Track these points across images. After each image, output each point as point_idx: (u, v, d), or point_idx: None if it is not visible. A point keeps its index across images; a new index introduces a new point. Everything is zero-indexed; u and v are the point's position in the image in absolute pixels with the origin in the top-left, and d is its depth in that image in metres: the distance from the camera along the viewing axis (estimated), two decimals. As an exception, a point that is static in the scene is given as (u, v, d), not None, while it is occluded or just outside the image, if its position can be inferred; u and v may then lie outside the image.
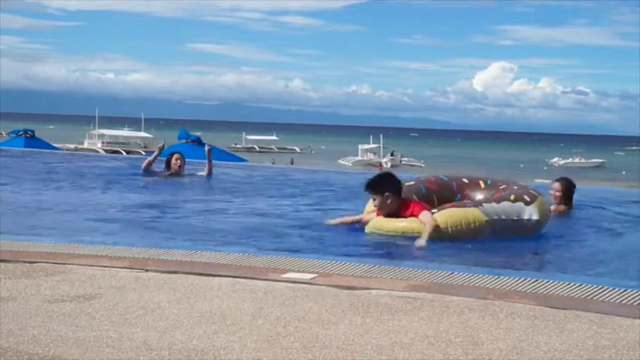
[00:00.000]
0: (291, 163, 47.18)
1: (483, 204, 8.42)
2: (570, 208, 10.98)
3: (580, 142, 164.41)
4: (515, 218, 8.39)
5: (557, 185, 10.93)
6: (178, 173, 14.21)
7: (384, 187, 8.28)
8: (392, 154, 65.69)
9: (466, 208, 8.24)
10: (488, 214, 8.21)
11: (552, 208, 10.36)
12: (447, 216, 8.09)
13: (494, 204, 8.43)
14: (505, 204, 8.45)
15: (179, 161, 14.31)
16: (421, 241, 7.77)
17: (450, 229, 8.01)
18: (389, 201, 8.22)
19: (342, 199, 12.09)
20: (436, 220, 7.99)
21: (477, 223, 8.08)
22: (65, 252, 6.31)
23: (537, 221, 8.53)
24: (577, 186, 11.22)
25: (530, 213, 8.47)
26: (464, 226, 8.05)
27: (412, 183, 9.03)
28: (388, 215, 8.25)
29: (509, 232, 8.32)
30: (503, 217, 8.33)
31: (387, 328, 4.33)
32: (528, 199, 8.55)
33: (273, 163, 41.53)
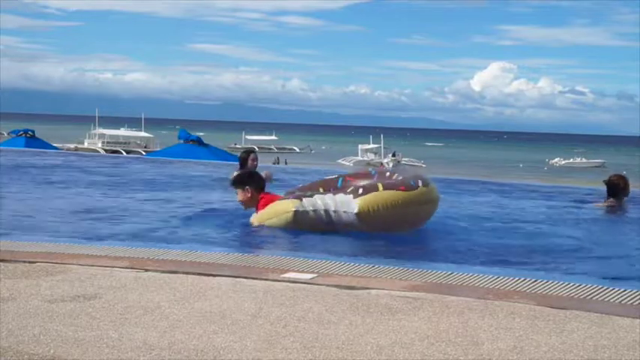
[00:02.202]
0: (285, 163, 46.79)
1: (315, 196, 8.63)
2: (620, 204, 11.26)
3: (580, 141, 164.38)
4: (342, 210, 8.44)
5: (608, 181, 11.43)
6: None
7: (245, 182, 9.05)
8: (394, 155, 65.67)
9: (283, 201, 8.72)
10: (314, 206, 8.48)
11: (599, 204, 10.98)
12: (268, 207, 8.72)
13: (322, 196, 8.60)
14: (338, 196, 8.56)
15: (255, 162, 14.19)
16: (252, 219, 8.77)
17: (266, 219, 8.66)
18: (249, 194, 8.95)
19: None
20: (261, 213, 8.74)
21: (287, 214, 8.54)
22: (65, 252, 6.32)
23: (357, 215, 8.39)
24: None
25: (352, 206, 8.42)
26: (275, 216, 8.61)
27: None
28: (249, 208, 9.02)
29: (330, 223, 8.47)
30: (333, 209, 8.45)
31: (387, 328, 4.33)
32: (360, 192, 8.50)
33: (276, 163, 41.57)
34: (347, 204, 8.44)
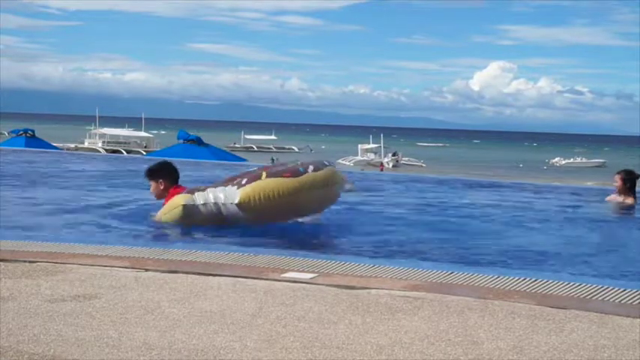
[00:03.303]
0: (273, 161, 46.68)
1: (207, 189, 8.60)
2: (634, 199, 11.41)
3: (580, 141, 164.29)
4: (228, 202, 8.41)
5: (617, 177, 11.54)
6: None
7: (158, 174, 8.99)
8: (394, 154, 65.61)
9: (177, 195, 8.67)
10: (205, 200, 8.46)
11: (608, 198, 11.39)
12: (167, 202, 8.71)
13: (214, 189, 8.56)
14: (227, 188, 8.50)
15: None
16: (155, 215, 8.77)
17: (163, 214, 8.67)
18: (162, 187, 8.90)
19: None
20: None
21: (177, 209, 8.53)
22: (65, 252, 6.32)
23: (238, 205, 8.34)
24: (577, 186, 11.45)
25: (233, 197, 8.37)
26: (168, 211, 8.62)
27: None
28: (161, 200, 8.91)
29: (221, 216, 8.46)
30: (219, 201, 8.43)
31: (386, 327, 4.33)
32: (244, 183, 8.42)
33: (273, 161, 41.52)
34: (231, 196, 8.38)
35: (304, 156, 71.35)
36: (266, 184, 8.32)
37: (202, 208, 8.49)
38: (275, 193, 8.28)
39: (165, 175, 8.96)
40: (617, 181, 11.74)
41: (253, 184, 8.33)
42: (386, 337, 4.14)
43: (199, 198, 8.51)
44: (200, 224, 8.47)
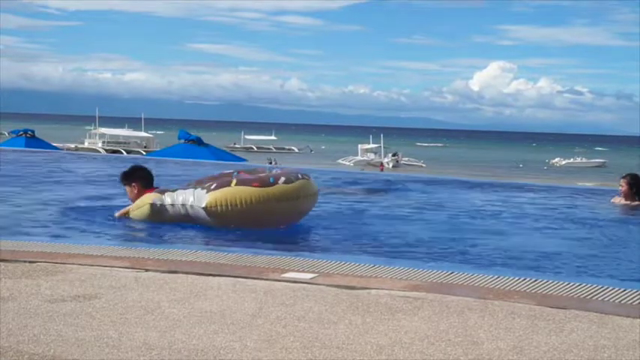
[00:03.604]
0: (270, 162, 46.45)
1: (177, 190, 8.78)
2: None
3: (579, 141, 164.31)
4: (196, 205, 8.53)
5: (622, 181, 11.65)
6: None
7: (131, 178, 9.15)
8: (394, 155, 65.58)
9: (146, 194, 8.86)
10: (173, 200, 8.65)
11: (613, 200, 11.63)
12: (136, 201, 8.93)
13: (184, 190, 8.73)
14: (189, 191, 8.67)
15: None
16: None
17: (131, 211, 8.89)
18: (135, 190, 9.05)
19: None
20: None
21: (144, 207, 8.76)
22: (65, 252, 6.32)
23: (204, 209, 8.46)
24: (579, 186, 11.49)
25: (200, 201, 8.50)
26: (136, 209, 8.84)
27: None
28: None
29: (188, 218, 8.62)
30: (187, 203, 8.57)
31: (386, 327, 4.33)
32: (213, 187, 8.54)
33: (270, 163, 41.55)
34: (199, 199, 8.51)
35: (304, 156, 71.38)
36: (234, 191, 8.44)
37: (170, 209, 8.69)
38: (242, 201, 8.39)
39: (137, 178, 9.12)
40: (623, 185, 11.76)
41: (222, 190, 8.47)
42: (386, 337, 4.14)
43: (168, 198, 8.71)
44: (166, 222, 8.67)
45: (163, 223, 8.65)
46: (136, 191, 9.02)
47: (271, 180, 8.56)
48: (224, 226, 8.45)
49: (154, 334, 4.09)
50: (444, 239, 8.62)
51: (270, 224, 8.60)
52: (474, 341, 4.11)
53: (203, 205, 8.42)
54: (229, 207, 8.36)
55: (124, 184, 9.18)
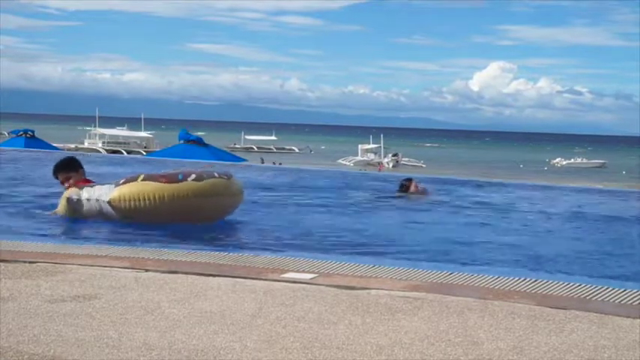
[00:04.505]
0: (262, 162, 46.28)
1: (95, 185, 8.86)
2: None
3: (579, 141, 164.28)
4: (103, 200, 8.61)
5: None
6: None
7: (65, 169, 9.15)
8: (394, 155, 65.61)
9: (69, 189, 8.91)
10: (88, 195, 8.70)
11: None
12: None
13: (100, 185, 8.81)
14: (106, 186, 8.73)
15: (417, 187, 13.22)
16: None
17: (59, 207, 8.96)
18: (71, 181, 9.02)
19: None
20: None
21: (63, 201, 8.86)
22: (65, 252, 6.32)
23: (109, 203, 8.53)
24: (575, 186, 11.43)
25: (107, 195, 8.57)
26: (60, 204, 8.93)
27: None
28: None
29: (101, 212, 8.68)
30: (99, 198, 8.64)
31: (386, 328, 4.33)
32: (121, 182, 8.62)
33: (263, 162, 41.67)
34: (106, 193, 8.59)
35: (304, 156, 71.39)
36: (140, 186, 8.52)
37: (85, 203, 8.74)
38: (146, 196, 8.45)
39: (70, 169, 9.11)
40: None
41: (128, 185, 8.57)
42: (386, 338, 4.14)
43: (85, 193, 8.78)
44: (85, 217, 8.74)
45: (86, 219, 8.69)
46: (71, 181, 9.00)
47: (179, 177, 8.61)
48: (132, 221, 8.46)
49: (154, 335, 4.09)
50: (444, 239, 8.62)
51: (181, 220, 8.53)
52: (474, 341, 4.11)
53: (107, 199, 8.52)
54: (133, 201, 8.45)
55: (58, 177, 9.17)
